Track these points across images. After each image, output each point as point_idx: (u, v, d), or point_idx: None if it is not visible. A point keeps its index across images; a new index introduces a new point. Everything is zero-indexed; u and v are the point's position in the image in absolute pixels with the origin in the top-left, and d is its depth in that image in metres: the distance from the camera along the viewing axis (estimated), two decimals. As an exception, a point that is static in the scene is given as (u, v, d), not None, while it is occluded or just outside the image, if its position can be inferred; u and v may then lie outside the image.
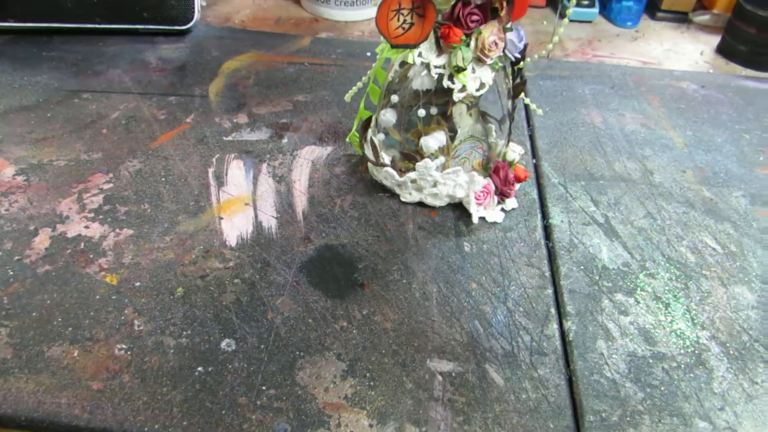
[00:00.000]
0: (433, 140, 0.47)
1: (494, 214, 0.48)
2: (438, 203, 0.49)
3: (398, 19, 0.41)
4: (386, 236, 0.46)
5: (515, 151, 0.49)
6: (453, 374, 0.37)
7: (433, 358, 0.38)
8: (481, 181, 0.47)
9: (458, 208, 0.49)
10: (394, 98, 0.46)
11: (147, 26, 0.69)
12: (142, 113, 0.57)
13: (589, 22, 0.82)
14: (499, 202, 0.49)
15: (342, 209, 0.48)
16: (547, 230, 0.48)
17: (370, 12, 0.79)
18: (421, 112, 0.46)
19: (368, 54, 0.70)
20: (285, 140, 0.55)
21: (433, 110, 0.46)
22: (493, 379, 0.37)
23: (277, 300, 0.41)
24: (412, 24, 0.41)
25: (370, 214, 0.48)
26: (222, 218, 0.47)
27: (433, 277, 0.43)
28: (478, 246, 0.46)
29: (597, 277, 0.44)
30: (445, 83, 0.43)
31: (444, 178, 0.47)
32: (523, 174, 0.49)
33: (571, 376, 0.38)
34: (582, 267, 0.45)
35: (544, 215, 0.50)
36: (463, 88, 0.43)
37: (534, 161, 0.55)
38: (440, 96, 0.46)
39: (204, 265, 0.43)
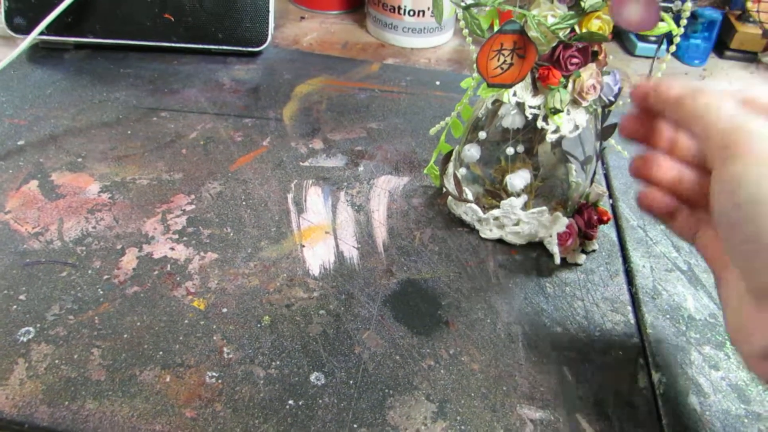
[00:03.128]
0: (519, 178, 0.46)
1: (576, 256, 0.48)
2: (518, 241, 0.48)
3: (498, 59, 0.41)
4: (468, 273, 0.46)
5: (599, 193, 0.49)
6: (544, 423, 0.37)
7: (523, 405, 0.38)
8: (565, 222, 0.47)
9: (538, 247, 0.49)
10: (482, 135, 0.46)
11: (221, 47, 0.70)
12: (220, 134, 0.58)
13: (658, 59, 0.81)
14: (580, 244, 0.48)
15: (422, 242, 0.48)
16: (629, 275, 0.48)
17: (437, 39, 0.79)
18: (510, 151, 0.45)
19: (437, 83, 0.70)
20: (361, 168, 0.56)
21: (519, 148, 0.46)
22: (585, 429, 0.37)
23: (363, 334, 0.41)
24: (511, 64, 0.41)
25: (450, 249, 0.48)
26: (304, 246, 0.47)
27: (517, 318, 0.43)
28: (561, 288, 0.46)
29: (684, 328, 0.43)
30: (539, 124, 0.43)
31: (528, 217, 0.47)
32: (605, 216, 0.49)
33: (665, 431, 0.37)
34: (668, 316, 0.44)
35: (625, 259, 0.49)
36: (557, 130, 0.43)
37: (611, 202, 0.55)
38: (526, 134, 0.46)
39: (289, 293, 0.43)
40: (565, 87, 0.42)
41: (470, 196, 0.49)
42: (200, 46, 0.69)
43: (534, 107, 0.43)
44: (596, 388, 0.39)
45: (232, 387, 0.37)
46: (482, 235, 0.49)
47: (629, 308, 0.45)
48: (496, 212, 0.47)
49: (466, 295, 0.44)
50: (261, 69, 0.70)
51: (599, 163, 0.59)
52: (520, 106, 0.44)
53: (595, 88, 0.42)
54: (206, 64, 0.69)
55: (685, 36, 0.81)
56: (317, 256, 0.46)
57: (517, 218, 0.47)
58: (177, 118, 0.60)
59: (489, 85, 0.42)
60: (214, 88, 0.65)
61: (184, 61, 0.69)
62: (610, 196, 0.56)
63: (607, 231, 0.51)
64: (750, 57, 0.83)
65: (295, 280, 0.44)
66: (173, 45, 0.69)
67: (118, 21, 0.67)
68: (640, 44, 0.80)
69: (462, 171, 0.49)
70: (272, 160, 0.55)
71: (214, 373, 0.38)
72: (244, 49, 0.70)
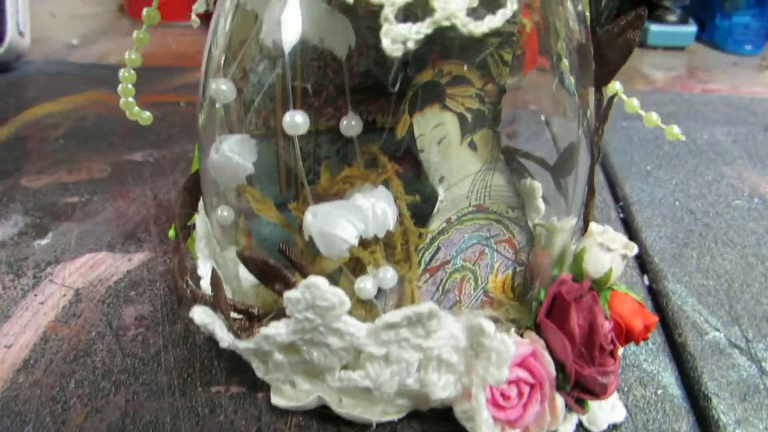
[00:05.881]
0: (345, 213, 0.14)
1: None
2: (371, 417, 0.15)
3: None
4: None
5: (612, 248, 0.16)
6: None
7: None
8: (513, 350, 0.14)
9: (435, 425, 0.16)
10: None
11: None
12: None
13: (682, 48, 0.51)
14: (570, 409, 0.15)
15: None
16: None
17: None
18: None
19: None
20: (45, 241, 0.24)
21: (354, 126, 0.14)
22: None
23: None
24: None
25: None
26: None
27: None
28: None
29: None
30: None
31: (387, 337, 0.14)
32: (641, 320, 0.16)
33: None
34: None
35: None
36: (430, 10, 0.11)
37: (648, 282, 0.22)
38: (366, 89, 0.14)
39: None
40: None
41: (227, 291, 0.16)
42: None
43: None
44: None
45: None
46: (275, 402, 0.16)
47: None
48: (281, 329, 0.14)
49: None
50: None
51: (610, 195, 0.27)
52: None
53: None
54: None
55: (723, 14, 0.51)
56: None
57: (351, 341, 0.14)
58: None
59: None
60: None
61: None
62: (642, 268, 0.23)
63: (648, 361, 0.18)
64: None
65: None
66: None
67: None
68: (654, 27, 0.50)
69: (222, 212, 0.17)
70: None
71: None
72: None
